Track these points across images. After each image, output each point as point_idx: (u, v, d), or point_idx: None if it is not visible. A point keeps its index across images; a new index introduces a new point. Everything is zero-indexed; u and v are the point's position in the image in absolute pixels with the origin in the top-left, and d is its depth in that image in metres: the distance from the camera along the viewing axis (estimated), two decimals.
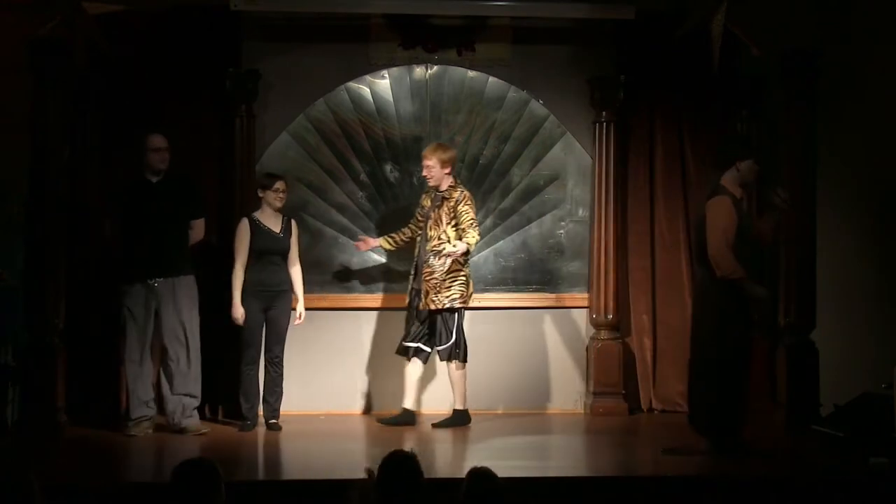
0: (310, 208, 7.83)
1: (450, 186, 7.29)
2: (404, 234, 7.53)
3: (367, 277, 7.90)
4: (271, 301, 7.17)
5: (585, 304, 7.97)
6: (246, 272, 7.15)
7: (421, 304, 7.21)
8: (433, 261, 7.18)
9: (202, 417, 7.21)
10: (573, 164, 8.02)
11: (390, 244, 7.54)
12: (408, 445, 6.43)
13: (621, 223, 7.91)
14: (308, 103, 7.82)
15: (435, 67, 7.92)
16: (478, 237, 7.29)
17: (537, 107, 7.97)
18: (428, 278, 7.18)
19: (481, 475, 4.01)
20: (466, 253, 7.25)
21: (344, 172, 7.87)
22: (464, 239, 7.16)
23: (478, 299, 7.87)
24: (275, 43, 7.79)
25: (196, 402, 7.05)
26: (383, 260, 7.87)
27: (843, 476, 5.81)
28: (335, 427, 7.39)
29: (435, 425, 7.25)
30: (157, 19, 7.50)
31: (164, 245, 6.97)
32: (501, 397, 7.93)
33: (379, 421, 7.37)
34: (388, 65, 7.89)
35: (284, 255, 7.23)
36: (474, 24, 7.83)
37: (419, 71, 7.92)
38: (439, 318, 7.22)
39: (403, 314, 7.44)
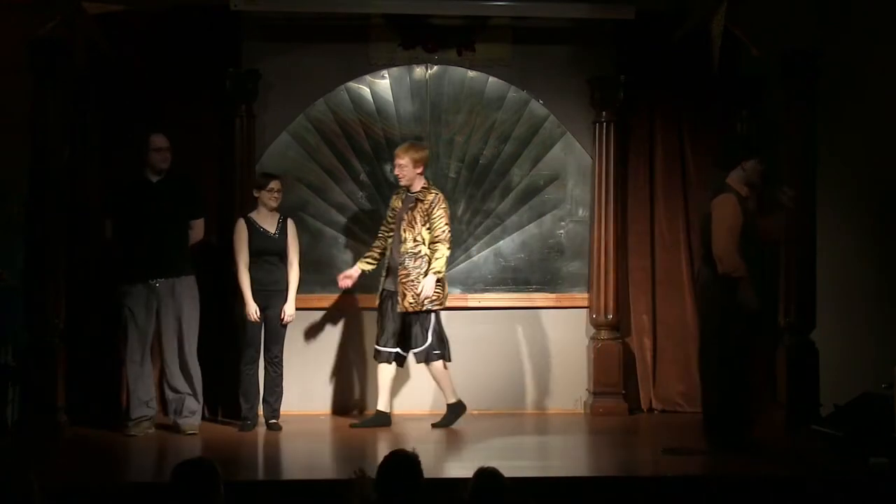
0: (310, 208, 7.83)
1: (423, 188, 7.25)
2: (378, 248, 7.42)
3: (367, 277, 7.88)
4: (268, 300, 7.17)
5: (585, 304, 7.97)
6: None
7: (399, 307, 7.15)
8: (409, 262, 7.14)
9: (202, 417, 7.20)
10: (573, 164, 8.02)
11: (370, 264, 7.42)
12: (408, 445, 6.42)
13: (621, 223, 7.91)
14: (308, 103, 7.82)
15: (435, 67, 7.93)
16: (448, 251, 7.22)
17: (537, 107, 7.97)
18: (404, 280, 7.13)
19: (488, 475, 4.01)
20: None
21: (344, 172, 7.87)
22: (434, 261, 7.10)
23: (478, 299, 7.90)
24: (275, 43, 7.79)
25: (198, 404, 7.05)
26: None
27: (843, 476, 5.81)
28: (335, 427, 7.38)
29: (435, 425, 7.24)
30: (157, 19, 7.50)
31: (165, 245, 6.97)
32: (501, 397, 7.93)
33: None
34: (388, 65, 7.89)
35: (281, 255, 7.22)
36: (474, 24, 7.83)
37: (419, 71, 7.92)
38: (416, 320, 7.17)
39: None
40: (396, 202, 7.37)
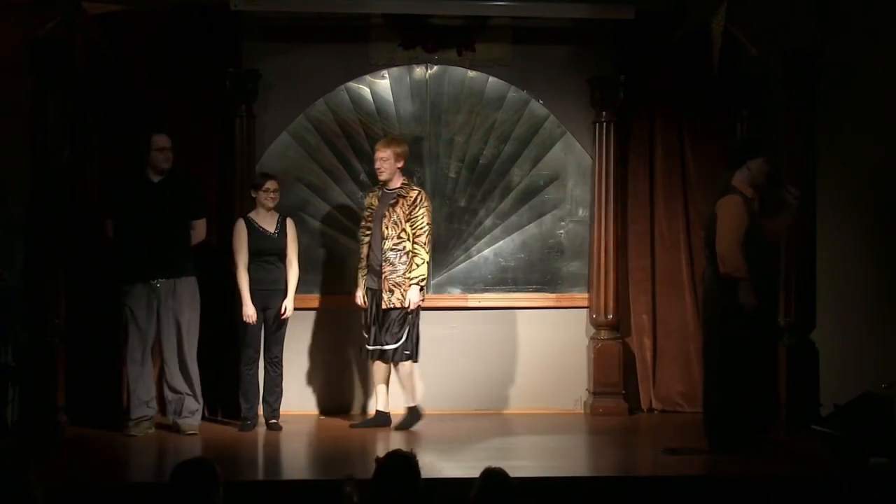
0: (310, 208, 7.83)
1: (403, 184, 7.21)
2: (363, 252, 7.31)
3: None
4: (268, 300, 7.17)
5: (585, 304, 7.97)
6: None
7: (384, 303, 7.08)
8: (393, 259, 7.07)
9: (202, 417, 7.20)
10: (573, 164, 8.02)
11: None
12: (407, 446, 6.43)
13: (621, 223, 7.91)
14: (308, 103, 7.82)
15: (435, 67, 7.93)
16: (427, 256, 7.17)
17: (537, 107, 7.97)
18: (389, 276, 7.06)
19: (495, 475, 4.01)
20: None
21: (344, 172, 7.87)
22: (414, 269, 7.05)
23: (478, 299, 7.90)
24: (275, 43, 7.79)
25: (197, 405, 7.04)
26: None
27: (843, 476, 5.81)
28: (335, 427, 7.38)
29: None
30: (157, 19, 7.50)
31: (166, 245, 6.97)
32: (501, 397, 7.93)
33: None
34: (388, 65, 7.89)
35: (280, 254, 7.22)
36: (474, 24, 7.83)
37: (419, 71, 7.92)
38: (397, 317, 7.10)
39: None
40: (373, 200, 7.29)
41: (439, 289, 7.91)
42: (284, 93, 7.78)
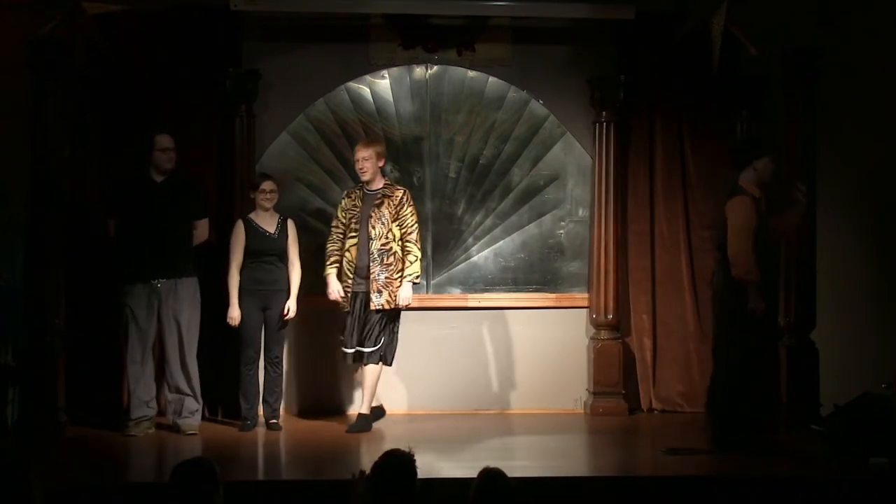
0: (310, 208, 7.83)
1: (386, 184, 7.19)
2: (337, 251, 7.20)
3: None
4: (268, 300, 7.17)
5: (585, 304, 7.97)
6: (243, 272, 7.16)
7: (372, 304, 7.05)
8: (382, 260, 7.03)
9: (202, 417, 7.20)
10: (573, 164, 8.02)
11: (338, 267, 7.23)
12: (405, 445, 6.42)
13: (621, 223, 7.91)
14: (308, 103, 7.82)
15: (435, 67, 7.93)
16: (420, 252, 7.15)
17: (537, 107, 7.97)
18: (377, 278, 7.03)
19: (493, 475, 4.01)
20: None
21: (344, 172, 7.87)
22: (408, 266, 7.05)
23: (478, 299, 7.90)
24: (275, 43, 7.79)
25: (197, 405, 7.04)
26: None
27: (843, 476, 5.81)
28: (335, 427, 7.38)
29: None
30: (157, 19, 7.50)
31: (168, 245, 6.97)
32: (501, 397, 7.93)
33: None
34: (388, 65, 7.89)
35: (280, 255, 7.21)
36: (474, 24, 7.83)
37: (419, 71, 7.92)
38: (382, 319, 7.07)
39: (402, 314, 7.40)
40: (355, 201, 7.20)
41: (439, 289, 7.92)
42: (284, 93, 7.78)
